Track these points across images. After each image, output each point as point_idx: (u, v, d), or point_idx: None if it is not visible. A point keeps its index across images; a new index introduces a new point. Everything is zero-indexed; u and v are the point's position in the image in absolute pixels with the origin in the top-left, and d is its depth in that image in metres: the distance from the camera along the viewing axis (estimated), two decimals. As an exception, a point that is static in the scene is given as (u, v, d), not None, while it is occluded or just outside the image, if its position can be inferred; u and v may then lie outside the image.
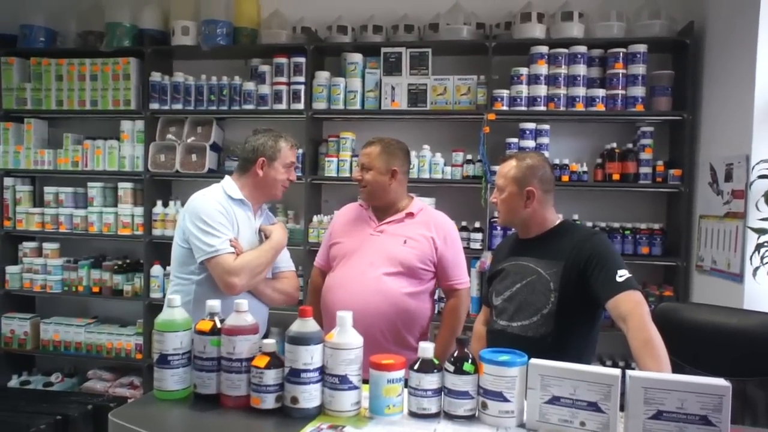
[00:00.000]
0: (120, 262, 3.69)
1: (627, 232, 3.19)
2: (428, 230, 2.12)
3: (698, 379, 1.24)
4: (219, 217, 1.94)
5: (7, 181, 3.79)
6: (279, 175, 2.07)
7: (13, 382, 3.76)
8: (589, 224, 3.20)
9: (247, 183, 2.08)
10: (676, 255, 3.12)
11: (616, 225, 3.23)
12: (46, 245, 3.78)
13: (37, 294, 3.79)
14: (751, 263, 2.34)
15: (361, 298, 2.00)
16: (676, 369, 1.59)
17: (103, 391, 3.61)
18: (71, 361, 3.86)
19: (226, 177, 2.12)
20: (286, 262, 2.20)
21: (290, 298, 2.17)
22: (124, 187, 3.66)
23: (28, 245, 3.81)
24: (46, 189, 3.79)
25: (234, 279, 1.89)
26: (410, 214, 2.16)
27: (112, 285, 3.65)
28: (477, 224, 3.29)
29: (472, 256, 3.22)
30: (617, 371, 1.28)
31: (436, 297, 2.28)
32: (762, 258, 2.28)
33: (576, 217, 3.17)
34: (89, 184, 3.71)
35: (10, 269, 3.76)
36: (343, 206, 2.40)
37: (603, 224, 3.23)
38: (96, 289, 3.68)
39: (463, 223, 3.31)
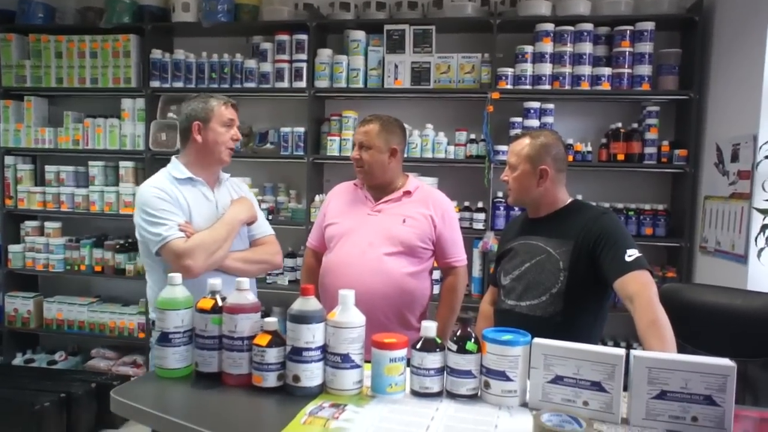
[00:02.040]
0: (122, 242, 3.68)
1: (631, 213, 3.18)
2: (426, 208, 2.10)
3: (703, 359, 1.24)
4: (161, 204, 1.87)
5: (8, 160, 3.78)
6: (219, 136, 1.95)
7: (18, 359, 3.80)
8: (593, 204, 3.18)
9: (191, 155, 1.98)
10: (680, 236, 3.11)
11: (620, 205, 3.21)
12: (47, 224, 3.79)
13: (39, 273, 3.80)
14: (756, 244, 2.32)
15: (362, 280, 1.97)
16: (679, 349, 1.58)
17: (106, 370, 3.64)
18: (75, 340, 3.89)
19: (172, 158, 2.02)
20: (260, 228, 2.08)
21: (269, 265, 2.09)
22: (126, 166, 3.65)
23: (29, 224, 3.81)
24: (47, 168, 3.78)
25: (188, 261, 1.79)
26: (407, 193, 2.13)
27: (114, 264, 3.66)
28: (480, 204, 3.27)
29: (474, 236, 3.21)
30: (621, 351, 1.27)
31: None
32: (767, 239, 2.26)
33: (580, 197, 3.13)
34: (90, 162, 3.70)
35: (13, 248, 3.77)
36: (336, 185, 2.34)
37: (607, 204, 3.20)
38: (98, 269, 3.69)
39: (466, 203, 3.30)
